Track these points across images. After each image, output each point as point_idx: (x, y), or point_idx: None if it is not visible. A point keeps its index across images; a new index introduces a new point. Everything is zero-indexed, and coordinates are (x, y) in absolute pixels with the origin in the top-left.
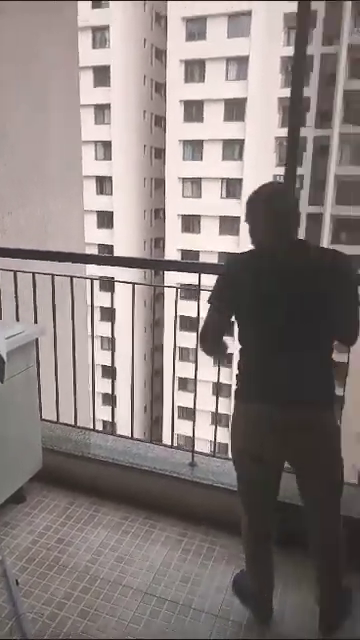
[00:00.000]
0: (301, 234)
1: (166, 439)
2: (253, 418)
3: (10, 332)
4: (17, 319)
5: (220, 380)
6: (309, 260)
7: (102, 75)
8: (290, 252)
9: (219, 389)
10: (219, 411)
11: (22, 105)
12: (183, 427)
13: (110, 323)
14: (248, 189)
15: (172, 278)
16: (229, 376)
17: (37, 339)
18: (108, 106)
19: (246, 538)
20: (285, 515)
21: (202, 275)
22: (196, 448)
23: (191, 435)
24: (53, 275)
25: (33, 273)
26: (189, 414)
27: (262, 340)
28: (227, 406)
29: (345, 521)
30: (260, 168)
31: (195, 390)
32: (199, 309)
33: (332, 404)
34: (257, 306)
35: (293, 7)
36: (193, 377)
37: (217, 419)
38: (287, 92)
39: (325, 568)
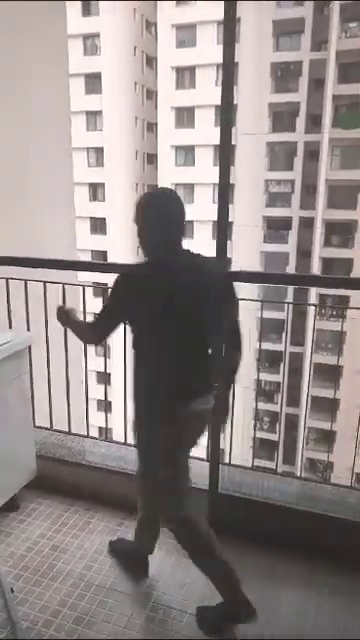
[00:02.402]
0: (293, 238)
1: None
2: (153, 415)
3: (1, 340)
4: (10, 327)
5: None
6: (194, 269)
7: (93, 82)
8: (177, 261)
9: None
10: None
11: (10, 112)
12: None
13: None
14: (240, 194)
15: None
16: None
17: (30, 346)
18: (100, 113)
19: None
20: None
21: None
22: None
23: None
24: (45, 282)
25: (25, 280)
26: None
27: (156, 345)
28: None
29: (342, 523)
30: (253, 172)
31: None
32: None
33: (211, 390)
34: (149, 314)
35: (282, 14)
36: None
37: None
38: (277, 98)
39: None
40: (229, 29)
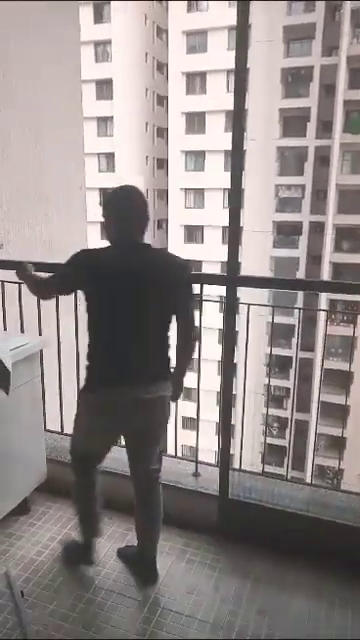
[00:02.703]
0: (303, 243)
1: (169, 449)
2: (105, 387)
3: (15, 344)
4: (22, 331)
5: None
6: (149, 259)
7: (104, 88)
8: (134, 251)
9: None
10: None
11: (25, 120)
12: (186, 437)
13: None
14: (250, 199)
15: None
16: (234, 386)
17: (41, 350)
18: (111, 118)
19: (78, 472)
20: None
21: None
22: (200, 458)
23: (194, 445)
24: None
25: None
26: (192, 424)
27: (106, 328)
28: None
29: (352, 531)
30: (263, 177)
31: (198, 399)
32: (201, 319)
33: (166, 378)
34: (101, 297)
35: (292, 20)
36: (196, 387)
37: (219, 429)
38: (288, 103)
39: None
40: (242, 30)
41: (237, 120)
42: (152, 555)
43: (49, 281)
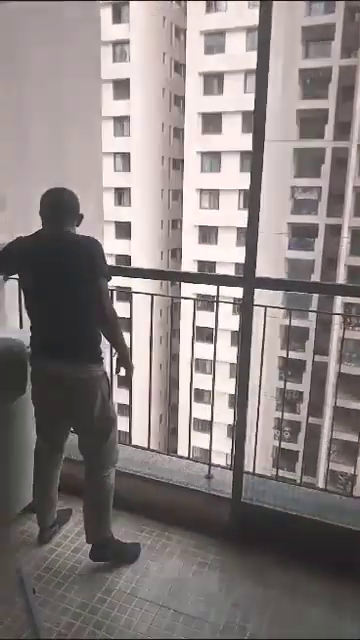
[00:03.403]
0: (319, 245)
1: (181, 451)
2: (36, 371)
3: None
4: None
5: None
6: (64, 244)
7: (122, 88)
8: (52, 237)
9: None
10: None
11: (44, 120)
12: (198, 439)
13: (128, 333)
14: (266, 200)
15: (188, 288)
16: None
17: None
18: (127, 118)
19: (35, 459)
20: None
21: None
22: (211, 460)
23: (206, 447)
24: None
25: None
26: (204, 426)
27: (34, 306)
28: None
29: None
30: (279, 179)
31: (212, 401)
32: (217, 321)
33: (88, 361)
34: (28, 278)
35: (311, 20)
36: (208, 388)
37: (233, 432)
38: (306, 104)
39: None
40: (264, 30)
41: (258, 121)
42: (91, 540)
43: None
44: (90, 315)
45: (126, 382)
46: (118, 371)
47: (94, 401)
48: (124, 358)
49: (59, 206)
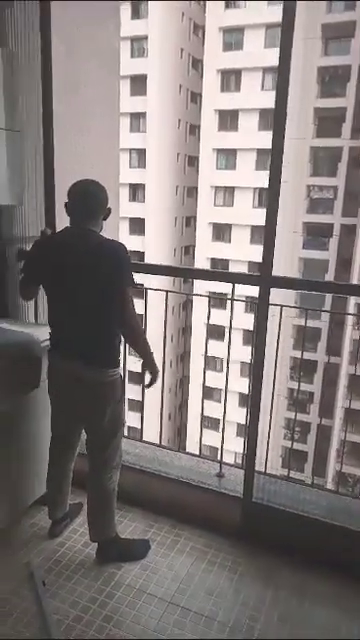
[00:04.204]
0: (334, 245)
1: (189, 448)
2: (53, 369)
3: (46, 336)
4: None
5: (245, 392)
6: (89, 246)
7: (139, 84)
8: (77, 236)
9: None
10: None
11: (63, 115)
12: (207, 436)
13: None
14: (281, 199)
15: (201, 286)
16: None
17: None
18: (144, 114)
19: (50, 454)
20: None
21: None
22: (218, 458)
23: (215, 445)
24: None
25: None
26: (213, 424)
27: (55, 305)
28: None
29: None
30: (294, 177)
31: (225, 400)
32: (231, 319)
33: (105, 365)
34: (51, 277)
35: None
36: (218, 386)
37: (246, 431)
38: (323, 103)
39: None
40: (287, 30)
41: (278, 122)
42: (95, 538)
43: (21, 285)
44: (109, 318)
45: (150, 386)
46: (143, 372)
47: (107, 404)
48: (149, 363)
49: (85, 199)
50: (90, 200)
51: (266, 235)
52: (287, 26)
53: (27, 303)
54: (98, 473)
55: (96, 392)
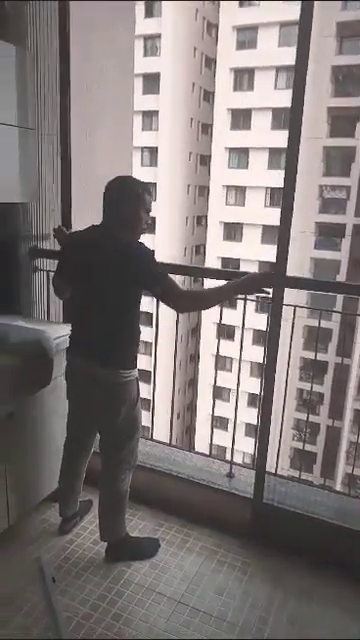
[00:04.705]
0: (346, 246)
1: (197, 447)
2: (70, 368)
3: (58, 333)
4: (64, 321)
5: (255, 392)
6: (117, 246)
7: (152, 82)
8: (103, 235)
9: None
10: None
11: (77, 114)
12: (216, 436)
13: (150, 328)
14: (294, 198)
15: (211, 285)
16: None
17: None
18: (156, 113)
19: (64, 453)
20: None
21: None
22: (227, 458)
23: (223, 445)
24: None
25: None
26: (222, 423)
27: (77, 304)
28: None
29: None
30: (307, 177)
31: (237, 400)
32: (244, 320)
33: (120, 365)
34: (74, 274)
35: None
36: (227, 386)
37: (257, 432)
38: (337, 102)
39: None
40: (304, 30)
41: (294, 122)
42: (106, 538)
43: (54, 283)
44: (129, 320)
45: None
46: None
47: (121, 405)
48: (235, 293)
49: (110, 202)
50: (112, 200)
51: (280, 234)
52: (305, 26)
53: (41, 300)
54: (111, 474)
55: (111, 392)
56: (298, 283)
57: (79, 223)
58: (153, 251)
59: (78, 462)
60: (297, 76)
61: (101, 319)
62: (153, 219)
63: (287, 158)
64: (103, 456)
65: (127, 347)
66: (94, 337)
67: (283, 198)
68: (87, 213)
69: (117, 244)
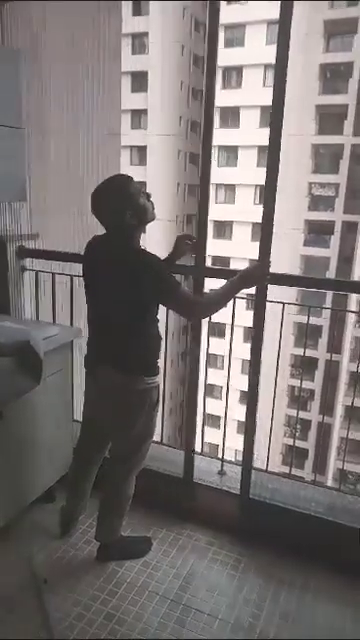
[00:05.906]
0: (335, 243)
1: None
2: (87, 373)
3: (47, 333)
4: (54, 321)
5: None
6: (129, 254)
7: (140, 81)
8: (114, 241)
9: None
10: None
11: (63, 111)
12: (207, 433)
13: None
14: (282, 196)
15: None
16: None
17: (72, 341)
18: (145, 111)
19: (72, 463)
20: None
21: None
22: (220, 456)
23: (215, 442)
24: None
25: (71, 276)
26: (214, 421)
27: (89, 311)
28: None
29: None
30: (295, 175)
31: (227, 398)
32: (233, 317)
33: (134, 374)
34: (86, 282)
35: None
36: (219, 383)
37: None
38: (325, 100)
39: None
40: (284, 30)
41: (275, 120)
42: (100, 539)
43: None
44: (145, 327)
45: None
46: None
47: (137, 412)
48: (242, 287)
49: (94, 209)
50: (97, 205)
51: (263, 233)
52: (284, 25)
53: (30, 300)
54: (119, 477)
55: (128, 399)
56: (281, 280)
57: (55, 225)
58: (159, 258)
59: (88, 467)
60: (277, 77)
61: (115, 326)
62: None
63: (269, 154)
64: (113, 459)
65: (144, 353)
66: (110, 344)
67: (265, 197)
68: (66, 214)
69: (120, 254)
